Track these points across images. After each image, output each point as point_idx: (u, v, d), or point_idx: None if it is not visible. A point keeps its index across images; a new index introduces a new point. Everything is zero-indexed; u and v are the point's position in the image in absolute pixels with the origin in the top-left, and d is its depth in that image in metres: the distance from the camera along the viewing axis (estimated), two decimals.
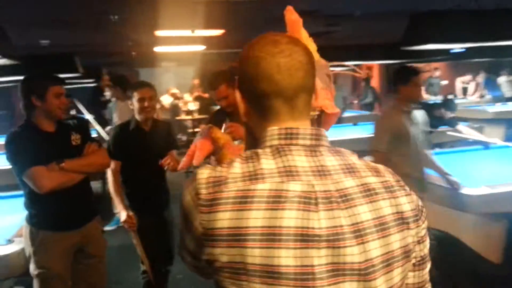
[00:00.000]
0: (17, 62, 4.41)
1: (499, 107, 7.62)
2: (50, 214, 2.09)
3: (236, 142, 1.43)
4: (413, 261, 0.81)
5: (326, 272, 0.71)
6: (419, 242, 0.81)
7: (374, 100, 9.00)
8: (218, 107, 2.70)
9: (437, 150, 4.38)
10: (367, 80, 9.55)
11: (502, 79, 9.53)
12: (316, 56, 1.19)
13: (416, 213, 0.81)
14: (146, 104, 2.58)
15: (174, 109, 8.91)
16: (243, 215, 0.72)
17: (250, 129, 0.87)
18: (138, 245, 2.64)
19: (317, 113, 1.13)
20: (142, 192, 2.67)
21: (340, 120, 7.29)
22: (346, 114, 7.87)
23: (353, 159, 0.82)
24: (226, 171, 0.77)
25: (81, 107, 6.03)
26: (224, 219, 0.73)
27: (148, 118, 2.65)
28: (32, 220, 2.10)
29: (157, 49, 6.78)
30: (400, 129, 2.62)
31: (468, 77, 10.28)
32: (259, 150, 0.79)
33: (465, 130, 4.11)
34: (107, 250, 2.41)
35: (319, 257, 0.71)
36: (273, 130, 0.80)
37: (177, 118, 8.78)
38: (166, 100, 9.18)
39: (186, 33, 5.24)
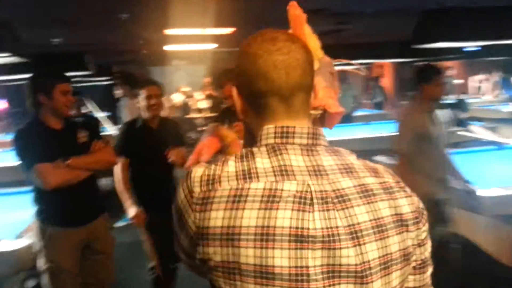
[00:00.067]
0: (29, 60, 4.48)
1: None
2: (57, 210, 2.12)
3: (242, 141, 1.43)
4: (414, 264, 0.79)
5: (321, 273, 0.70)
6: (419, 245, 0.79)
7: (383, 99, 8.92)
8: (226, 105, 2.71)
9: (449, 150, 4.32)
10: (376, 79, 9.46)
11: None
12: (320, 53, 1.17)
13: (416, 215, 0.79)
14: (152, 101, 2.60)
15: (185, 107, 8.95)
16: (236, 214, 0.71)
17: (248, 127, 0.86)
18: (146, 241, 2.65)
19: (319, 112, 1.11)
20: (150, 189, 2.68)
21: (351, 119, 7.24)
22: (357, 113, 7.81)
23: (351, 159, 0.80)
24: (220, 170, 0.76)
25: (91, 105, 6.08)
26: (217, 218, 0.72)
27: (155, 115, 2.67)
28: (40, 216, 2.13)
29: (168, 47, 6.81)
30: (423, 129, 2.57)
31: (482, 76, 10.12)
32: (255, 149, 0.78)
33: (477, 130, 4.05)
34: (116, 246, 2.43)
35: (314, 258, 0.70)
36: (269, 129, 0.79)
37: (187, 116, 8.82)
38: (177, 98, 9.22)
39: (197, 31, 5.25)
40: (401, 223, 0.76)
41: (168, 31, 5.33)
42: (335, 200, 0.73)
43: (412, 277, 0.80)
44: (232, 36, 5.60)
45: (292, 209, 0.71)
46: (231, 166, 0.76)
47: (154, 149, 2.62)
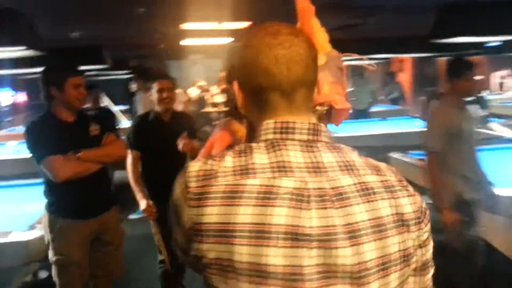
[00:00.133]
0: (48, 54, 4.54)
1: None
2: (68, 202, 2.14)
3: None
4: (414, 266, 0.76)
5: (317, 273, 0.68)
6: (420, 246, 0.77)
7: (399, 95, 8.77)
8: None
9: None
10: (392, 74, 9.31)
11: None
12: (328, 47, 1.13)
13: (418, 215, 0.76)
14: (165, 95, 2.60)
15: (201, 101, 8.98)
16: (231, 210, 0.70)
17: (249, 122, 0.84)
18: (157, 234, 2.66)
19: (325, 108, 1.08)
20: (161, 182, 2.66)
21: (368, 115, 7.15)
22: (375, 108, 7.70)
23: (353, 156, 0.78)
24: (217, 165, 0.74)
25: (106, 99, 6.15)
26: (212, 214, 0.71)
27: (167, 109, 2.67)
28: (51, 208, 2.15)
29: (184, 41, 6.82)
30: (454, 126, 2.47)
31: (505, 72, 9.84)
32: (253, 144, 0.77)
33: (497, 128, 3.93)
34: (128, 239, 2.45)
35: (310, 258, 0.68)
36: (268, 124, 0.77)
37: (203, 110, 8.86)
38: (193, 92, 9.26)
39: (213, 25, 5.24)
40: (401, 223, 0.74)
41: (184, 25, 5.34)
42: (334, 198, 0.71)
43: (412, 279, 0.77)
44: (249, 30, 5.59)
45: (289, 207, 0.69)
46: (228, 161, 0.74)
47: (166, 142, 2.62)
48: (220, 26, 5.26)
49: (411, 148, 4.20)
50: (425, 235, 0.77)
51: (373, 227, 0.71)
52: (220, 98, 8.83)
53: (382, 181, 0.75)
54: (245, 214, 0.69)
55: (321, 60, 1.11)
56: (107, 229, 2.26)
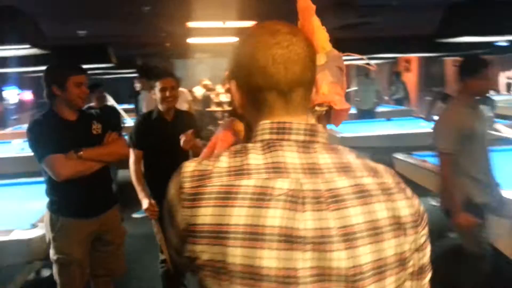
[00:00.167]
0: (54, 52, 4.56)
1: None
2: (69, 201, 2.14)
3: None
4: (411, 270, 0.75)
5: (311, 276, 0.67)
6: (417, 250, 0.75)
7: (404, 95, 8.71)
8: None
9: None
10: (398, 74, 9.25)
11: None
12: (328, 46, 1.11)
13: (415, 219, 0.75)
14: (167, 93, 2.60)
15: (206, 100, 8.99)
16: (225, 211, 0.69)
17: (247, 121, 0.83)
18: (159, 233, 2.66)
19: (325, 108, 1.06)
20: (164, 181, 2.66)
21: (373, 115, 7.11)
22: (380, 109, 7.66)
23: (350, 157, 0.77)
24: (212, 165, 0.74)
25: (110, 98, 6.16)
26: (206, 215, 0.70)
27: (170, 107, 2.67)
28: (52, 206, 2.15)
29: (190, 40, 6.82)
30: (467, 127, 2.39)
31: None
32: (249, 144, 0.76)
33: (503, 129, 3.89)
34: (131, 238, 2.45)
35: (304, 260, 0.67)
36: (265, 124, 0.76)
37: (208, 109, 8.86)
38: (198, 91, 9.26)
39: (219, 24, 5.23)
40: (398, 226, 0.73)
41: (190, 24, 5.33)
42: (329, 200, 0.70)
43: (409, 283, 0.76)
44: (248, 29, 5.56)
45: (283, 208, 0.68)
46: (223, 161, 0.74)
47: (168, 141, 2.61)
48: (225, 25, 5.25)
49: (415, 149, 4.18)
50: (423, 239, 0.76)
51: (368, 230, 0.70)
52: (225, 97, 8.82)
53: (379, 184, 0.74)
54: (239, 216, 0.68)
55: (321, 59, 1.10)
56: (108, 229, 2.25)
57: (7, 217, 2.62)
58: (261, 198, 0.69)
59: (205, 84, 9.33)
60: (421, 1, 4.47)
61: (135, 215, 4.50)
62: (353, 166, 0.75)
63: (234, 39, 6.42)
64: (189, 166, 0.76)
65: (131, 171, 2.67)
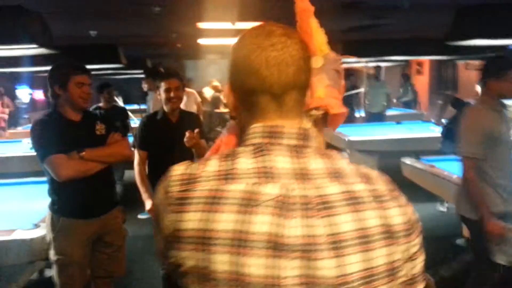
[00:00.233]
0: (66, 52, 4.60)
1: None
2: (70, 201, 2.13)
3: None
4: (402, 279, 0.72)
5: (297, 285, 0.65)
6: (409, 260, 0.73)
7: (412, 98, 8.62)
8: None
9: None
10: (406, 77, 9.15)
11: None
12: (326, 49, 1.09)
13: (408, 227, 0.72)
14: (172, 94, 2.60)
15: (215, 101, 8.99)
16: (212, 217, 0.67)
17: (241, 124, 0.81)
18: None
19: (321, 112, 1.04)
20: None
21: (383, 118, 7.03)
22: (390, 112, 7.58)
23: (343, 163, 0.74)
24: (200, 169, 0.72)
25: (119, 98, 6.20)
26: (192, 220, 0.69)
27: (175, 108, 2.66)
28: (53, 207, 2.15)
29: (201, 41, 6.83)
30: (493, 130, 2.29)
31: None
32: (240, 148, 0.74)
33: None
34: (132, 239, 2.44)
35: (290, 268, 0.65)
36: (256, 128, 0.75)
37: (216, 110, 8.87)
38: (207, 92, 9.28)
39: (228, 25, 5.23)
40: (389, 234, 0.70)
41: (201, 25, 5.34)
42: (318, 207, 0.68)
43: None
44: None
45: (271, 214, 0.67)
46: (212, 165, 0.72)
47: (173, 142, 2.61)
48: (235, 26, 5.24)
49: (424, 153, 4.12)
50: (415, 248, 0.74)
51: (358, 238, 0.68)
52: None
53: (371, 191, 0.72)
54: (225, 221, 0.67)
55: (318, 62, 1.08)
56: (109, 230, 2.24)
57: (10, 217, 2.63)
58: (248, 203, 0.67)
59: (214, 85, 9.34)
60: (433, 3, 4.41)
61: (140, 216, 4.51)
62: (345, 172, 0.73)
63: None
64: (177, 170, 0.75)
65: (136, 172, 2.67)
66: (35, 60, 5.26)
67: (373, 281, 0.68)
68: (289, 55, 0.73)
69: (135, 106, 7.43)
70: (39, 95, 9.28)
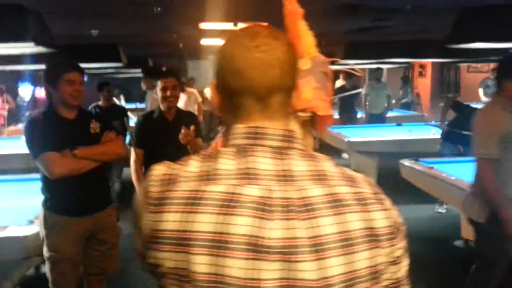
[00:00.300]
0: (68, 50, 4.61)
1: None
2: (63, 199, 2.13)
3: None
4: (386, 283, 0.72)
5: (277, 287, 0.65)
6: (393, 263, 0.72)
7: (411, 100, 8.61)
8: None
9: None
10: (405, 79, 9.14)
11: None
12: (314, 51, 1.09)
13: (391, 231, 0.72)
14: (168, 93, 2.61)
15: None
16: (191, 218, 0.67)
17: (226, 125, 0.81)
18: None
19: (308, 114, 1.04)
20: None
21: (383, 120, 7.02)
22: (391, 113, 7.56)
23: (327, 165, 0.74)
24: (181, 169, 0.72)
25: (118, 97, 6.21)
26: (171, 220, 0.68)
27: (171, 107, 2.67)
28: (46, 203, 2.16)
29: (203, 41, 6.83)
30: (509, 132, 2.23)
31: None
32: (222, 149, 0.74)
33: None
34: (127, 236, 2.43)
35: (270, 271, 0.65)
36: (239, 128, 0.74)
37: None
38: (208, 92, 9.30)
39: (230, 26, 5.23)
40: (373, 237, 0.70)
41: (203, 25, 5.34)
42: (300, 209, 0.67)
43: None
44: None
45: (251, 216, 0.66)
46: (193, 166, 0.72)
47: (169, 140, 2.61)
48: (237, 27, 5.24)
49: (424, 155, 4.11)
50: (399, 252, 0.73)
51: (340, 241, 0.67)
52: None
53: (355, 193, 0.72)
54: (204, 222, 0.66)
55: (306, 64, 1.08)
56: (102, 228, 2.25)
57: (5, 213, 2.63)
58: (228, 204, 0.67)
59: None
60: (435, 6, 4.39)
61: None
62: (329, 175, 0.72)
63: None
64: (158, 170, 0.75)
65: (132, 170, 2.69)
66: (36, 58, 5.27)
67: (355, 284, 0.67)
68: (274, 57, 0.72)
69: (137, 105, 7.45)
70: (41, 93, 9.30)
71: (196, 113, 4.14)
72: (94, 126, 2.23)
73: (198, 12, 4.65)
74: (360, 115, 7.40)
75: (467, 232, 3.46)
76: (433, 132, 5.43)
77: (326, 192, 0.70)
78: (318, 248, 0.66)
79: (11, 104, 8.05)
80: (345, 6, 4.54)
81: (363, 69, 9.67)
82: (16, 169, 3.91)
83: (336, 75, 7.72)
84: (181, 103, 5.07)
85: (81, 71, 2.16)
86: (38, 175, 2.98)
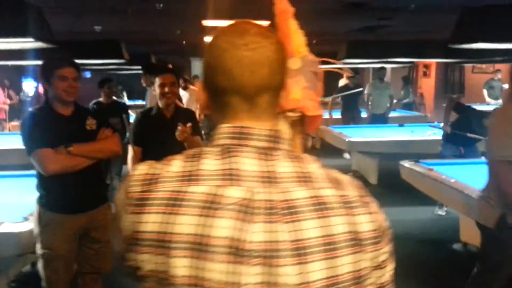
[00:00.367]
0: (68, 45, 4.60)
1: None
2: (57, 196, 2.12)
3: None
4: None
5: None
6: (377, 268, 0.71)
7: (412, 100, 8.57)
8: None
9: (484, 159, 4.05)
10: (407, 79, 9.09)
11: None
12: (304, 51, 1.07)
13: (376, 235, 0.71)
14: (166, 89, 2.59)
15: None
16: (172, 219, 0.66)
17: (213, 123, 0.79)
18: None
19: (297, 114, 1.02)
20: None
21: (386, 120, 6.98)
22: (393, 114, 7.52)
23: (313, 167, 0.72)
24: (163, 169, 0.71)
25: (121, 94, 6.21)
26: (151, 222, 0.67)
27: (169, 104, 2.65)
28: (40, 200, 2.15)
29: (206, 39, 6.82)
30: None
31: None
32: (206, 149, 0.72)
33: None
34: None
35: (251, 275, 0.64)
36: (224, 128, 0.73)
37: None
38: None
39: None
40: (357, 242, 0.69)
41: (205, 23, 5.33)
42: (283, 212, 0.66)
43: None
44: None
45: (232, 218, 0.65)
46: (175, 166, 0.70)
47: (167, 137, 2.59)
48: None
49: (426, 156, 4.08)
50: (383, 256, 0.72)
51: (323, 245, 0.66)
52: None
53: (340, 196, 0.70)
54: (185, 224, 0.65)
55: (296, 64, 1.06)
56: (97, 226, 2.23)
57: (1, 209, 2.62)
58: (210, 206, 0.66)
59: None
60: (438, 5, 4.36)
61: None
62: (314, 177, 0.71)
63: None
64: (140, 169, 0.73)
65: (129, 168, 2.67)
66: (39, 53, 5.28)
67: None
68: (263, 56, 0.71)
69: (140, 102, 7.45)
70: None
71: (198, 111, 4.11)
72: (90, 123, 2.21)
73: (200, 9, 4.64)
74: (363, 114, 7.36)
75: (466, 235, 3.44)
76: (429, 133, 5.41)
77: (311, 194, 0.68)
78: (300, 252, 0.65)
79: (13, 99, 8.07)
80: (348, 5, 4.51)
81: (365, 69, 9.62)
82: (17, 164, 3.91)
83: (338, 74, 7.68)
84: (183, 101, 5.07)
85: (76, 66, 2.14)
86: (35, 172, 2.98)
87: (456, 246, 3.69)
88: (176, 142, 2.51)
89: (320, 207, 0.68)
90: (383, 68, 7.20)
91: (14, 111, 7.89)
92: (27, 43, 3.07)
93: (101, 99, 4.64)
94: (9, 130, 6.71)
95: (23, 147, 2.22)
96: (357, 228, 0.69)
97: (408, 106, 8.66)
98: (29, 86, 8.96)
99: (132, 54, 6.47)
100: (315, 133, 1.08)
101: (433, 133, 5.24)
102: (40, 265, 2.16)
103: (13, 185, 3.26)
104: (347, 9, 4.71)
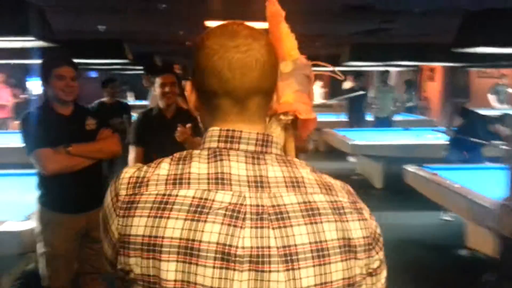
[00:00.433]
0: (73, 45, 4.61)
1: None
2: (57, 195, 2.13)
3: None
4: None
5: None
6: (370, 275, 0.71)
7: (415, 104, 8.53)
8: None
9: (489, 164, 4.02)
10: (410, 82, 9.06)
11: None
12: (296, 54, 1.06)
13: (369, 242, 0.70)
14: (166, 89, 2.60)
15: None
16: (160, 223, 0.65)
17: (203, 126, 0.79)
18: None
19: (290, 117, 1.01)
20: None
21: (390, 123, 6.95)
22: (399, 117, 7.49)
23: (304, 172, 0.72)
24: (151, 172, 0.70)
25: (127, 94, 6.22)
26: (139, 225, 0.67)
27: (170, 104, 2.66)
28: (41, 200, 2.16)
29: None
30: None
31: None
32: (195, 152, 0.72)
33: None
34: None
35: (240, 281, 0.63)
36: (213, 131, 0.72)
37: None
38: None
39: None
40: (348, 248, 0.68)
41: (208, 23, 5.34)
42: (273, 217, 0.65)
43: None
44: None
45: (221, 223, 0.64)
46: (164, 169, 0.70)
47: (167, 138, 2.59)
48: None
49: (430, 160, 4.05)
50: (376, 263, 0.72)
51: (314, 251, 0.65)
52: None
53: (331, 202, 0.70)
54: (174, 228, 0.65)
55: (288, 67, 1.05)
56: (96, 226, 2.22)
57: (3, 208, 2.63)
58: (198, 210, 0.65)
59: None
60: (441, 9, 4.33)
61: None
62: (305, 182, 0.70)
63: None
64: (128, 172, 0.73)
65: None
66: (43, 52, 5.30)
67: None
68: (254, 58, 0.70)
69: (144, 102, 7.45)
70: None
71: None
72: (90, 123, 2.22)
73: (203, 9, 4.65)
74: (369, 118, 7.34)
75: (473, 241, 3.40)
76: (430, 137, 5.38)
77: (301, 200, 0.68)
78: (290, 258, 0.64)
79: (18, 98, 8.11)
80: (351, 7, 4.49)
81: (368, 72, 9.57)
82: (20, 163, 3.92)
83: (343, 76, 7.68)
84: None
85: (74, 65, 2.14)
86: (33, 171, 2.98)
87: (462, 252, 3.65)
88: (176, 143, 2.51)
89: (311, 212, 0.67)
90: (386, 72, 7.17)
91: (19, 110, 7.92)
92: (28, 42, 3.08)
93: (104, 99, 4.65)
94: (13, 128, 6.72)
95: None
96: (349, 235, 0.68)
97: (411, 110, 8.61)
98: (34, 85, 9.00)
99: (137, 54, 6.49)
100: (307, 136, 1.07)
101: (436, 137, 5.21)
102: (40, 264, 2.16)
103: (15, 183, 3.27)
104: (349, 12, 4.69)
